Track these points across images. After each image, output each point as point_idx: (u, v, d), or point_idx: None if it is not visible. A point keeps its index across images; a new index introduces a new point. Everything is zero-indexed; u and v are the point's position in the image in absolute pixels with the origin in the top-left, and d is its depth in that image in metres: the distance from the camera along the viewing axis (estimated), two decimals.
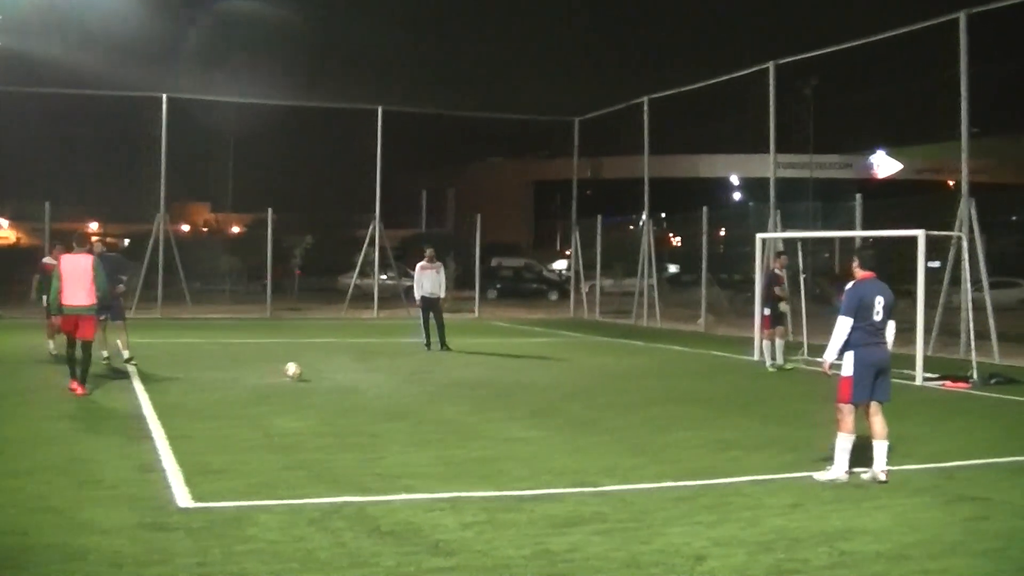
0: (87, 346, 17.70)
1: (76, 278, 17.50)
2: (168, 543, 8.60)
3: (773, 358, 23.54)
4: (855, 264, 12.31)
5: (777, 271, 23.98)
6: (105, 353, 20.67)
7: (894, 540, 9.17)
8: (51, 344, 22.64)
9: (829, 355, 11.96)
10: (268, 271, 42.32)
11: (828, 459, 11.70)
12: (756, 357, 24.37)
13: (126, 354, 21.65)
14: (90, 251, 18.47)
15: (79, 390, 17.40)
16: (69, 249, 18.59)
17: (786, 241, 31.10)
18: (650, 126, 42.18)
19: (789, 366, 23.58)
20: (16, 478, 10.86)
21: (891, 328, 12.16)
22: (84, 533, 8.82)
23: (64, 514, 9.44)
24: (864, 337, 11.68)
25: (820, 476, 11.53)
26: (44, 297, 21.75)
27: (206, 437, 13.62)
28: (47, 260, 23.20)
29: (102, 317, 19.35)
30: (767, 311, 23.59)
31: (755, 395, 19.52)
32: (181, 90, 44.56)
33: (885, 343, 11.91)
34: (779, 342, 23.71)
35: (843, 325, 11.76)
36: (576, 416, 16.21)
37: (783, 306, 23.88)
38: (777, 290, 23.53)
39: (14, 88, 40.51)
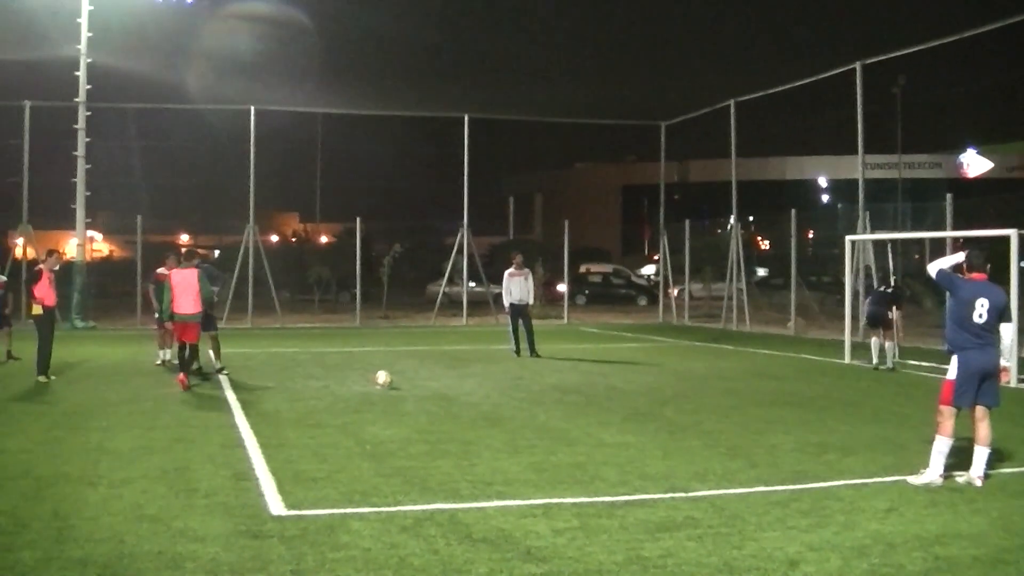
0: (194, 348, 20.55)
1: (184, 290, 20.48)
2: (263, 551, 8.68)
3: (883, 360, 23.68)
4: (964, 267, 12.24)
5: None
6: (195, 364, 21.02)
7: (991, 544, 9.06)
8: (162, 353, 23.32)
9: (931, 266, 12.22)
10: (358, 280, 42.56)
11: (926, 462, 11.57)
12: (875, 361, 24.08)
13: (218, 364, 22.01)
14: (197, 265, 21.09)
15: (184, 383, 19.76)
16: (178, 262, 21.41)
17: (876, 242, 30.86)
18: (737, 129, 42.01)
19: (883, 367, 23.59)
20: (114, 487, 11.00)
21: (1009, 330, 12.00)
22: (181, 541, 8.93)
23: (161, 522, 9.55)
24: (968, 340, 11.55)
25: (914, 480, 11.41)
26: (159, 307, 22.62)
27: (299, 445, 13.71)
28: (161, 271, 23.58)
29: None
30: (891, 314, 23.68)
31: (850, 397, 19.36)
32: (269, 102, 44.88)
33: (991, 346, 11.72)
34: (889, 344, 23.84)
35: (934, 268, 12.17)
36: (668, 420, 16.16)
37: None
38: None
39: (105, 104, 41.06)
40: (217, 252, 54.34)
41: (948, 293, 11.93)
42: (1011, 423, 15.11)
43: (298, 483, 11.27)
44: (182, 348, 20.72)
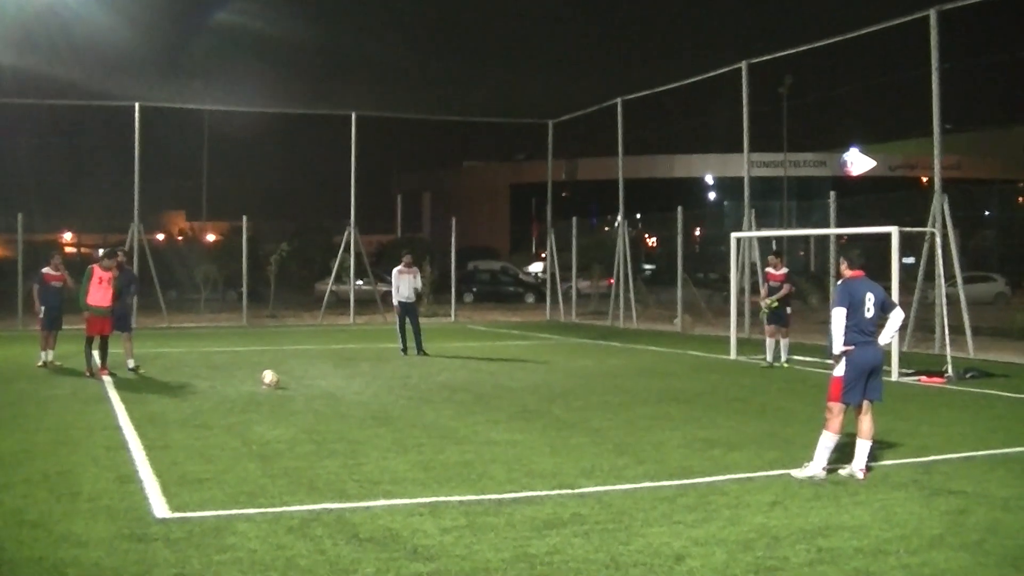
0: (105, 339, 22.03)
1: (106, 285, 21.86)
2: (147, 554, 8.56)
3: (777, 357, 23.80)
4: (843, 265, 12.36)
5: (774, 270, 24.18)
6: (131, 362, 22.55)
7: (873, 535, 9.20)
8: (43, 355, 23.31)
9: (836, 349, 11.83)
10: (244, 279, 42.20)
11: (810, 456, 11.70)
12: (770, 358, 24.19)
13: (131, 363, 22.65)
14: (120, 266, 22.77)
15: (105, 371, 21.51)
16: (63, 261, 23.93)
17: (761, 239, 31.22)
18: (624, 127, 42.24)
19: (776, 364, 23.76)
20: None
21: (899, 315, 12.26)
22: (63, 546, 8.78)
23: (42, 527, 9.39)
24: (856, 337, 11.67)
25: (798, 473, 11.54)
26: (43, 308, 22.56)
27: (184, 447, 13.56)
28: (46, 271, 23.36)
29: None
30: (789, 310, 23.80)
31: (736, 393, 19.54)
32: (156, 99, 44.35)
33: (877, 342, 11.91)
34: (784, 341, 23.93)
35: (838, 316, 11.76)
36: (557, 418, 16.19)
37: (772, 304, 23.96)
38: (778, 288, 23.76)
39: None
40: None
41: (845, 301, 11.93)
42: (893, 416, 15.36)
43: (183, 485, 11.14)
44: (98, 340, 21.81)
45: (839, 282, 12.32)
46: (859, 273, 12.11)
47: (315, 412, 16.73)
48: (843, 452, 11.92)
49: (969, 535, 9.24)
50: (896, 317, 12.22)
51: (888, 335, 12.28)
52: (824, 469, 11.50)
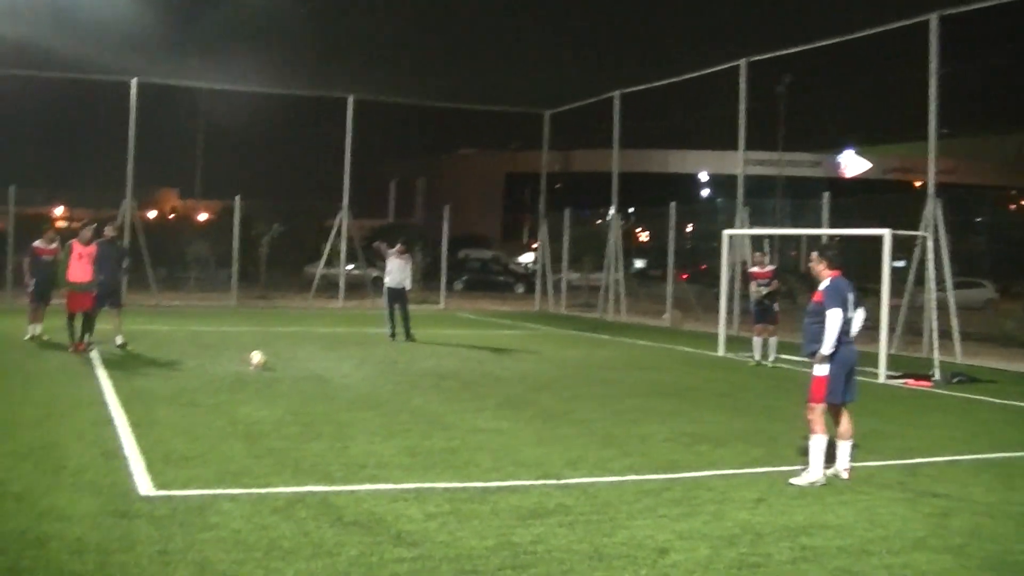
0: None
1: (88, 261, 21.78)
2: (130, 530, 8.55)
3: (765, 355, 23.74)
4: (823, 265, 12.13)
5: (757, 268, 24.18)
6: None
7: (857, 535, 9.22)
8: (31, 328, 23.23)
9: (827, 349, 11.55)
10: (234, 259, 42.03)
11: (796, 454, 11.71)
12: (758, 356, 24.12)
13: (119, 339, 22.62)
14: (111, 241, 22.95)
15: (82, 347, 21.33)
16: (56, 236, 23.71)
17: (754, 238, 31.23)
18: (621, 120, 42.17)
19: (764, 363, 23.70)
20: None
21: (863, 313, 12.20)
22: (45, 520, 8.77)
23: (25, 500, 9.38)
24: (840, 336, 11.61)
25: (798, 480, 11.32)
26: (33, 281, 22.45)
27: (171, 424, 13.55)
28: (37, 244, 23.27)
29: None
30: (776, 307, 23.80)
31: (724, 389, 19.56)
32: (153, 75, 44.12)
33: (853, 342, 11.88)
34: (772, 339, 23.85)
35: (836, 317, 11.49)
36: (544, 408, 16.21)
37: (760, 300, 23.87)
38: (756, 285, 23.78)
39: None
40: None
41: (838, 301, 11.79)
42: (877, 418, 15.40)
43: (168, 463, 11.13)
44: (81, 317, 21.59)
45: (827, 282, 12.05)
46: (837, 272, 12.01)
47: (302, 394, 16.73)
48: (825, 454, 11.95)
49: (952, 538, 9.27)
50: (861, 316, 12.18)
51: (854, 333, 12.24)
52: (823, 474, 11.39)
